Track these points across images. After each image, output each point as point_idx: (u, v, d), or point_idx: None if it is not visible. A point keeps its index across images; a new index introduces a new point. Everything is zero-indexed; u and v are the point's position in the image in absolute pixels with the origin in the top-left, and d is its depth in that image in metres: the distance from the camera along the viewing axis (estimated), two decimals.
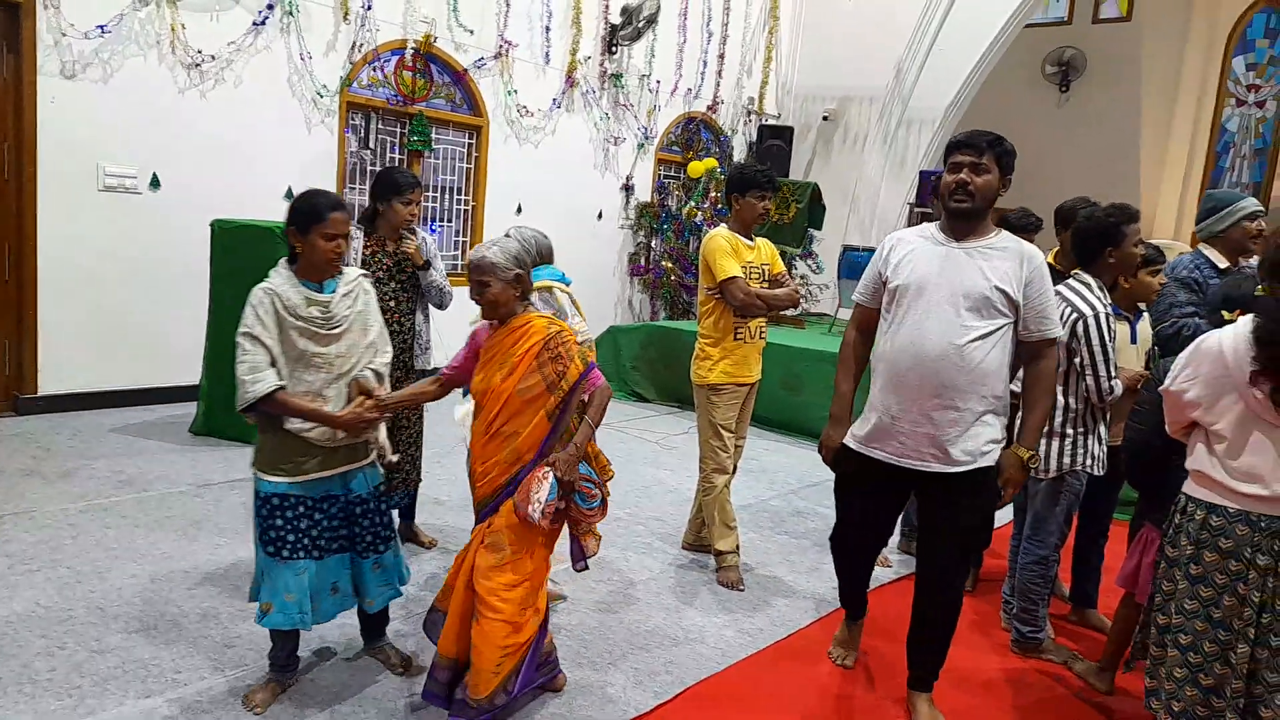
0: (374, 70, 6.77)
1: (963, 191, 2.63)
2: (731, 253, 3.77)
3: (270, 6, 6.00)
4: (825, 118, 10.11)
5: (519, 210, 7.74)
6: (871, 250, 3.00)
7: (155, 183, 5.67)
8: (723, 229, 3.90)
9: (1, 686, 2.63)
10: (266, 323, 2.55)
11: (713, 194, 8.84)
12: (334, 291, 2.66)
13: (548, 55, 7.90)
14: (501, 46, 7.49)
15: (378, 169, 6.73)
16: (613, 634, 3.32)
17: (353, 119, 6.76)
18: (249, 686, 2.72)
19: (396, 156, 7.14)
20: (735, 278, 3.73)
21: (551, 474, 2.49)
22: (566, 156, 8.25)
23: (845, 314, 8.13)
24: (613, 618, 3.46)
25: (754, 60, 10.04)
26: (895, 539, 4.29)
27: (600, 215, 8.75)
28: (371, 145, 6.92)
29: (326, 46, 6.39)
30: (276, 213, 6.00)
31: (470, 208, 7.76)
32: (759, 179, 3.84)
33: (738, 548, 3.91)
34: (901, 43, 9.32)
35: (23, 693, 2.61)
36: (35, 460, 4.62)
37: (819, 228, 8.87)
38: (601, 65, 8.41)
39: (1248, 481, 2.32)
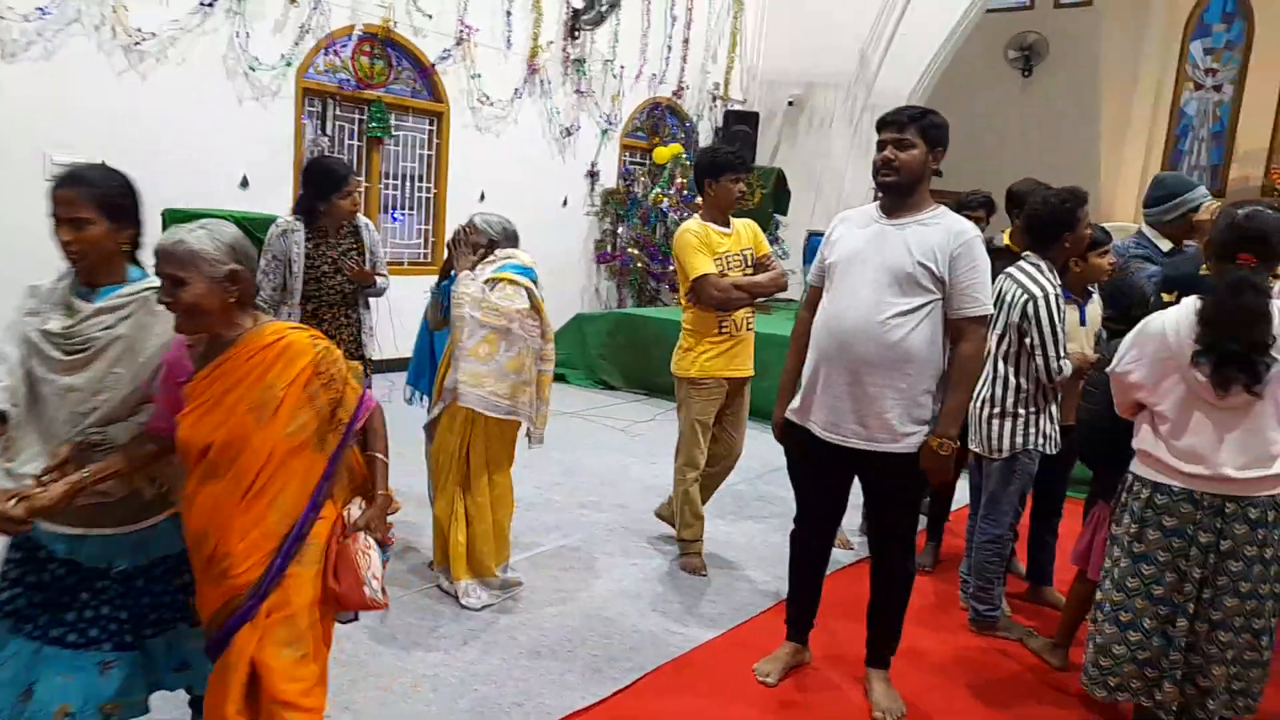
0: (330, 55, 6.66)
1: (888, 167, 2.63)
2: (701, 247, 3.60)
3: None
4: (790, 103, 10.10)
5: (482, 198, 7.66)
6: None
7: None
8: (693, 222, 3.71)
9: None
10: (15, 327, 1.95)
11: (679, 180, 8.82)
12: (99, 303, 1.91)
13: (509, 40, 7.81)
14: (462, 32, 7.39)
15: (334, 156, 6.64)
16: (571, 621, 3.31)
17: (310, 105, 6.65)
18: None
19: (355, 144, 7.04)
20: (706, 275, 3.56)
21: (373, 541, 1.97)
22: (529, 143, 8.18)
23: None
24: (572, 605, 3.45)
25: (719, 45, 10.00)
26: (860, 520, 4.32)
27: (565, 202, 8.69)
28: (329, 132, 6.82)
29: (275, 26, 6.25)
30: (232, 201, 5.94)
31: (432, 195, 7.68)
32: (733, 161, 3.67)
33: (701, 536, 3.91)
34: (866, 28, 9.34)
35: None
36: None
37: (784, 213, 8.91)
38: (564, 50, 8.34)
39: (1190, 461, 2.36)
